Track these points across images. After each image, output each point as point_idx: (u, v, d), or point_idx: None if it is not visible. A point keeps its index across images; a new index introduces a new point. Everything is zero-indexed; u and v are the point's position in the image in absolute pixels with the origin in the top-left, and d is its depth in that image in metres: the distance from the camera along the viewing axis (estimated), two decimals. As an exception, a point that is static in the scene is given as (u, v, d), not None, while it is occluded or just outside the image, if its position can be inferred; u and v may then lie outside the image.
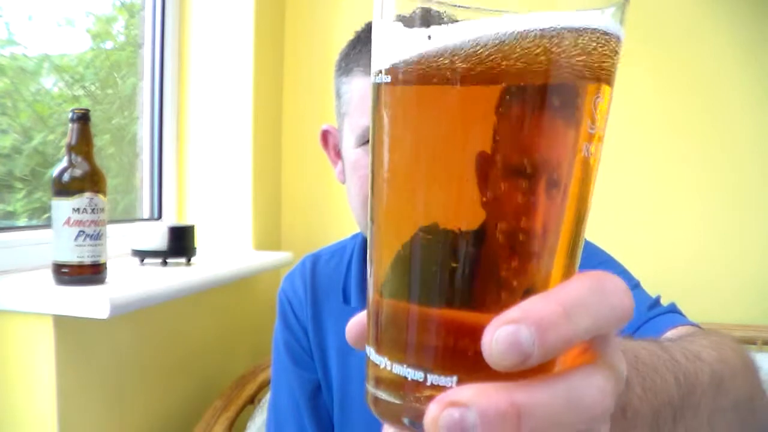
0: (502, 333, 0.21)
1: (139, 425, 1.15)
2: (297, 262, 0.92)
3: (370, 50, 0.27)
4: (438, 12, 0.24)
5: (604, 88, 0.25)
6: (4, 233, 1.09)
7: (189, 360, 1.30)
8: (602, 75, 0.24)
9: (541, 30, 0.23)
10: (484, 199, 0.24)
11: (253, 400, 1.27)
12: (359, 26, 0.72)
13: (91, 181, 0.94)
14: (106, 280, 0.97)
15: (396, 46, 0.25)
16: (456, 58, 0.23)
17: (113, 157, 1.44)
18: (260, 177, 1.57)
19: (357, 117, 0.69)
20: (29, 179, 1.19)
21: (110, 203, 1.10)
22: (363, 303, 0.80)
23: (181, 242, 1.24)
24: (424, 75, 0.24)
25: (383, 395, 0.26)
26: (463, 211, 0.24)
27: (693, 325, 0.65)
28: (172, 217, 1.55)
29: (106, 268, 0.97)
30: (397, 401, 0.25)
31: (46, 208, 1.18)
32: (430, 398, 0.22)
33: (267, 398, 1.12)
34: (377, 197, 0.27)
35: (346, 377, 0.81)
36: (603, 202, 1.20)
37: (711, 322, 1.26)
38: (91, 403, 1.02)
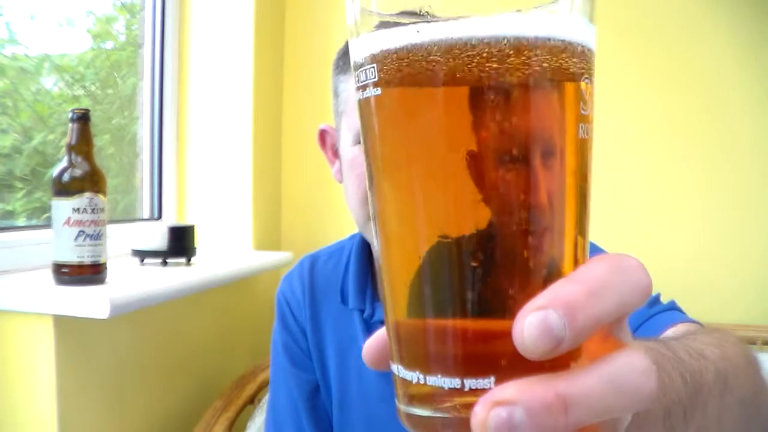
0: (532, 320, 0.21)
1: (139, 425, 1.15)
2: (297, 262, 0.92)
3: None
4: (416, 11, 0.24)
5: (590, 67, 0.25)
6: (4, 233, 1.09)
7: (189, 360, 1.30)
8: (585, 58, 0.25)
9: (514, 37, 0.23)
10: (494, 194, 0.24)
11: (253, 400, 1.27)
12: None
13: (91, 181, 0.94)
14: (106, 280, 0.97)
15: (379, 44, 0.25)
16: (437, 54, 0.23)
17: (113, 157, 1.44)
18: (260, 177, 1.57)
19: (354, 115, 0.69)
20: (29, 179, 1.19)
21: (110, 203, 1.10)
22: (360, 303, 0.80)
23: (181, 242, 1.24)
24: (410, 76, 0.24)
25: (418, 411, 0.25)
26: (475, 213, 0.24)
27: (693, 322, 0.65)
28: (172, 217, 1.55)
29: (106, 268, 0.97)
30: (435, 414, 0.25)
31: (45, 208, 1.18)
32: (469, 404, 0.22)
33: (267, 398, 1.11)
34: (382, 217, 0.27)
35: (344, 377, 0.81)
36: (603, 202, 1.20)
37: (711, 322, 1.25)
38: (91, 403, 1.02)
